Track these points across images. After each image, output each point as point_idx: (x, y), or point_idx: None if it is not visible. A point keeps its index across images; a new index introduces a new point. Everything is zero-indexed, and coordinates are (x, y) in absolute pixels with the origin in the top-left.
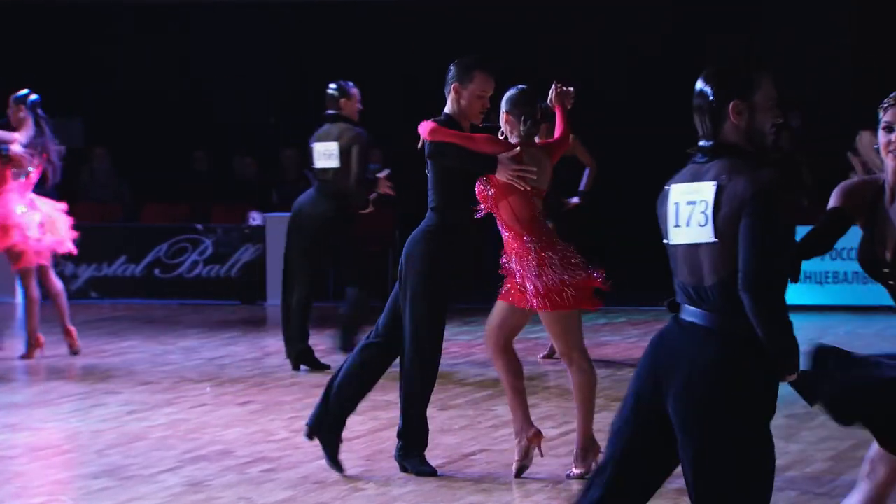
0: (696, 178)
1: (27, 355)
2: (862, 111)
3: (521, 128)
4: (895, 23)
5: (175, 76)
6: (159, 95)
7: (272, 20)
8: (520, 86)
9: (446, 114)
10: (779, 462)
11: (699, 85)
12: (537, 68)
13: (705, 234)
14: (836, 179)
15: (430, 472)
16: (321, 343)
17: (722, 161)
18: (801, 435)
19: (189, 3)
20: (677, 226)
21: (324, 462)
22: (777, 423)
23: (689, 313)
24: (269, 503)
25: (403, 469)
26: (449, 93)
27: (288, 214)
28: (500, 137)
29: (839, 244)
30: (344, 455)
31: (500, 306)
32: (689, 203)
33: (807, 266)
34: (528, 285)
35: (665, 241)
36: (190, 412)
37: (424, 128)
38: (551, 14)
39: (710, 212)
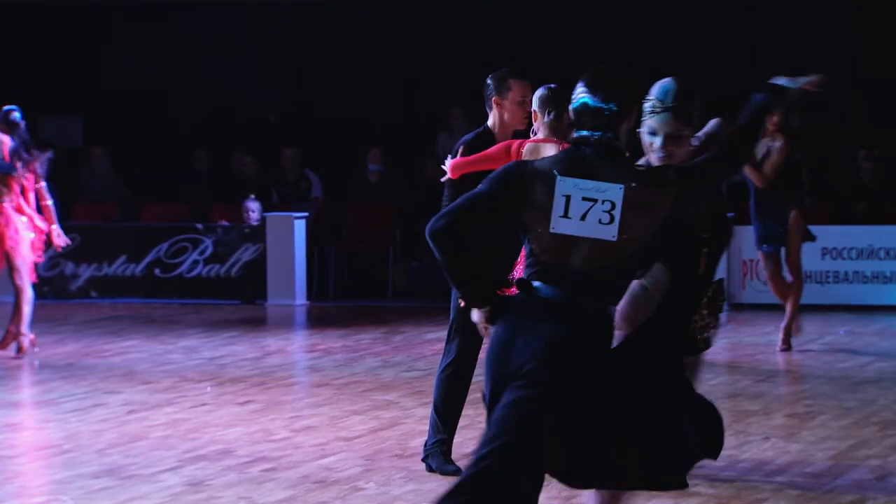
0: (590, 174)
1: (20, 353)
2: (865, 112)
3: (545, 120)
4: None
5: (175, 75)
6: (159, 95)
7: (272, 19)
8: (549, 85)
9: (486, 126)
10: (779, 461)
11: (601, 88)
12: (537, 68)
13: (605, 233)
14: (836, 179)
15: (454, 471)
16: (322, 342)
17: (612, 160)
18: (801, 434)
19: (189, 3)
20: (565, 217)
21: (324, 462)
22: (777, 423)
23: (548, 291)
24: (270, 503)
25: (430, 469)
26: (490, 108)
27: (288, 214)
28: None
29: (839, 244)
30: (344, 454)
31: None
32: (587, 199)
33: (806, 265)
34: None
35: (539, 228)
36: (190, 412)
37: (449, 168)
38: (552, 14)
39: (616, 213)
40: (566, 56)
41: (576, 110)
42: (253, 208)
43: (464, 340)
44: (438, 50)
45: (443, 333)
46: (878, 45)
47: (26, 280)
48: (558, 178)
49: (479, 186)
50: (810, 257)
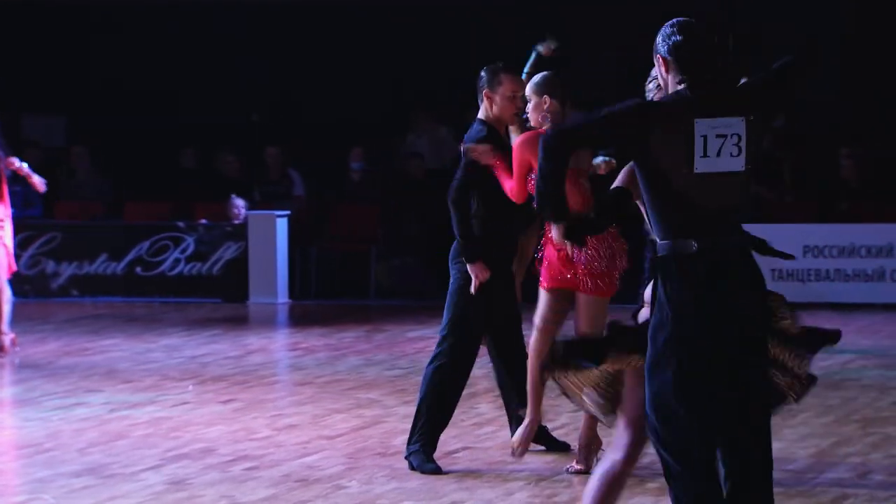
0: (714, 112)
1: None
2: (848, 110)
3: (545, 106)
4: (886, 24)
5: (158, 75)
6: (142, 94)
7: (256, 19)
8: (544, 72)
9: (480, 119)
10: None
11: (700, 28)
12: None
13: (737, 164)
14: (822, 177)
15: (434, 470)
16: (305, 341)
17: (723, 94)
18: (782, 433)
19: (173, 3)
20: (705, 156)
21: (306, 460)
22: None
23: (727, 239)
24: (252, 501)
25: (411, 467)
26: (482, 100)
27: (270, 213)
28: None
29: (821, 242)
30: (327, 453)
31: (553, 295)
32: (719, 136)
33: (788, 264)
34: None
35: (683, 169)
36: (172, 410)
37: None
38: (548, 15)
39: (742, 145)
40: (566, 57)
41: (681, 53)
42: (239, 205)
43: (461, 337)
44: (424, 49)
45: (425, 331)
46: (864, 42)
47: (4, 279)
48: (696, 120)
49: (604, 111)
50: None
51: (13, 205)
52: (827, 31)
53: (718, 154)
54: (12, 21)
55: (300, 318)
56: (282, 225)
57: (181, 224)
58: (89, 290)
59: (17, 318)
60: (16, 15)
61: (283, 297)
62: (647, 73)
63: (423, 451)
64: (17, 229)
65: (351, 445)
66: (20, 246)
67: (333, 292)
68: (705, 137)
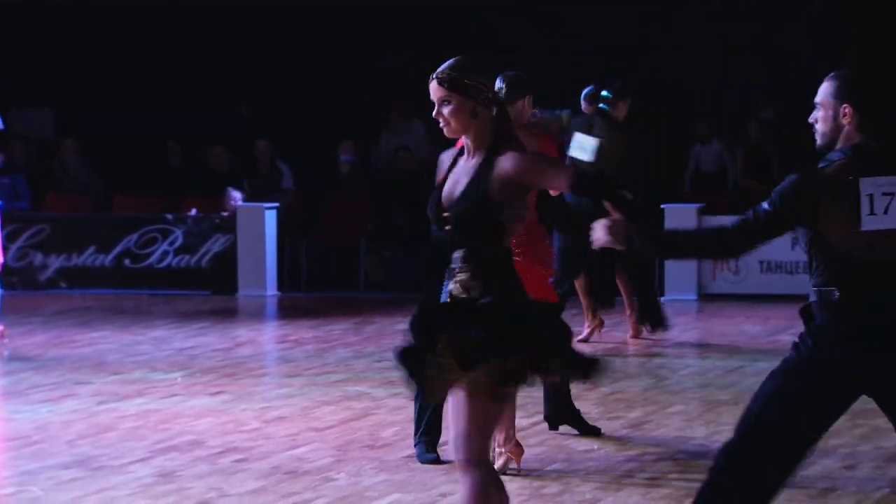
0: (879, 170)
1: None
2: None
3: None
4: (879, 17)
5: (148, 68)
6: (134, 90)
7: (246, 14)
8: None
9: None
10: None
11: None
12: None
13: None
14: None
15: (433, 460)
16: (293, 333)
17: (887, 152)
18: None
19: (167, 2)
20: (872, 214)
21: (295, 452)
22: None
23: (879, 293)
24: (240, 493)
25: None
26: None
27: (259, 205)
28: None
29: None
30: (315, 445)
31: None
32: (886, 194)
33: (777, 255)
34: None
35: (849, 229)
36: (161, 402)
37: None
38: (549, 15)
39: None
40: (557, 55)
41: (875, 109)
42: (235, 197)
43: None
44: (424, 49)
45: None
46: (860, 40)
47: None
48: (861, 180)
49: (771, 201)
50: (781, 247)
51: (0, 197)
52: (825, 29)
53: (886, 212)
54: (6, 20)
55: (289, 311)
56: (270, 217)
57: (169, 216)
58: (78, 282)
59: (6, 311)
60: (11, 14)
61: (271, 290)
62: (646, 74)
63: (424, 443)
64: (4, 221)
65: (340, 438)
66: (8, 238)
67: (322, 284)
68: (871, 196)
